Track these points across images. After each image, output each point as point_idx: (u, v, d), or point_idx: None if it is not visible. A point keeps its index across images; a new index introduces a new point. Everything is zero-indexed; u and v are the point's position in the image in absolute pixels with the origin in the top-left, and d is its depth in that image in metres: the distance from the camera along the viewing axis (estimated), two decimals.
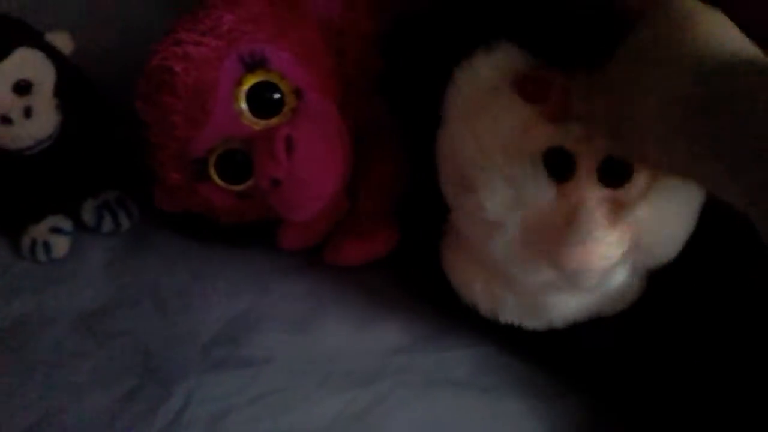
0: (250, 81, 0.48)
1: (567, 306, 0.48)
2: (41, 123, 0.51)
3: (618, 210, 0.42)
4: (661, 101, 0.33)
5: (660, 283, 0.48)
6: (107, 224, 0.58)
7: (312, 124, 0.48)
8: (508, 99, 0.42)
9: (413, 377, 0.51)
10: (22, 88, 0.50)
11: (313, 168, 0.47)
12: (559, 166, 0.41)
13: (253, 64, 0.48)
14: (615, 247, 0.42)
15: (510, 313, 0.48)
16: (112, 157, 0.58)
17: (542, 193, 0.41)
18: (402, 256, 0.55)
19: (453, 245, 0.50)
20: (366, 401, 0.49)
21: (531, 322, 0.49)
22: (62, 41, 0.54)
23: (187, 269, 0.56)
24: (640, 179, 0.41)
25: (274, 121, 0.48)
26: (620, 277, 0.45)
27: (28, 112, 0.50)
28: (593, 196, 0.41)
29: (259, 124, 0.48)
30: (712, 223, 0.45)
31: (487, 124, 0.42)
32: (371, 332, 0.53)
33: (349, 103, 0.52)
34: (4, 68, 0.49)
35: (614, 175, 0.41)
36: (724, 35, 0.34)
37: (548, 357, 0.52)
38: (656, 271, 0.46)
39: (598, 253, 0.42)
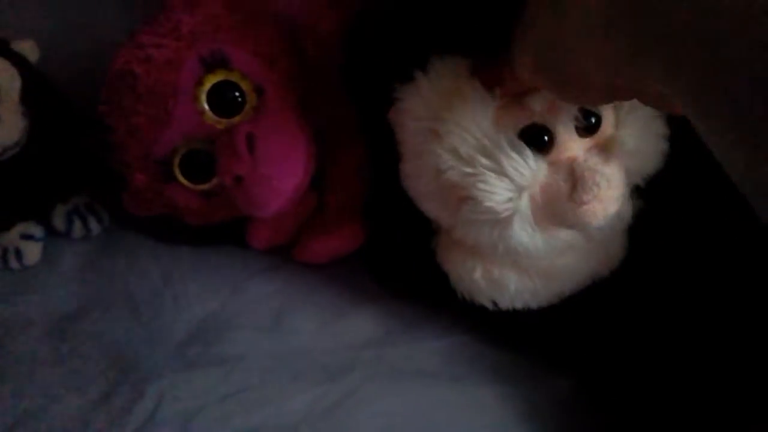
0: (211, 81, 0.48)
1: (577, 268, 0.48)
2: (8, 130, 0.51)
3: (604, 149, 0.44)
4: (582, 18, 0.32)
5: (642, 256, 0.49)
6: (78, 229, 0.58)
7: (273, 122, 0.48)
8: (469, 100, 0.43)
9: (384, 370, 0.51)
10: None
11: (274, 164, 0.48)
12: (539, 140, 0.43)
13: (213, 64, 0.48)
14: (619, 180, 0.43)
15: (514, 297, 0.49)
16: (81, 162, 0.58)
17: (535, 170, 0.42)
18: (371, 250, 0.56)
19: (447, 243, 0.50)
20: (337, 395, 0.49)
21: (538, 300, 0.49)
22: (28, 49, 0.55)
23: (159, 272, 0.57)
24: (608, 113, 0.44)
25: (236, 119, 0.49)
26: (626, 210, 0.46)
27: None
28: (580, 149, 0.43)
29: (221, 123, 0.49)
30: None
31: (458, 135, 0.42)
32: (341, 327, 0.54)
33: (312, 100, 0.53)
34: None
35: (587, 122, 0.43)
36: None
37: (525, 342, 0.52)
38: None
39: (610, 195, 0.43)
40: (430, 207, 0.48)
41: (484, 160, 0.42)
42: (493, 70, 0.42)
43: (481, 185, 0.42)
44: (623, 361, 0.50)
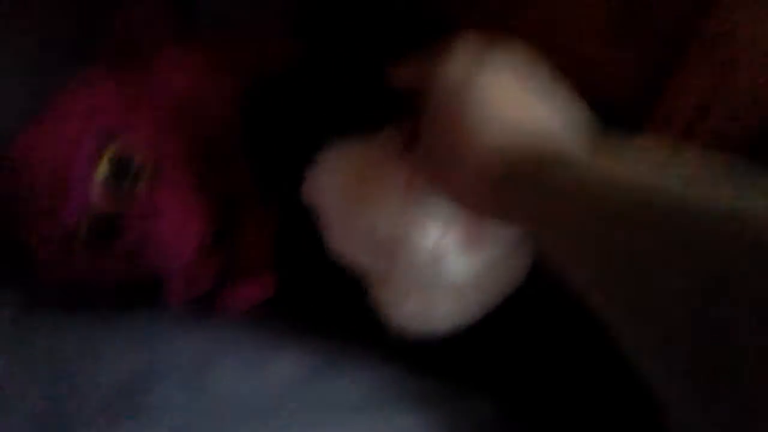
0: (108, 155, 0.51)
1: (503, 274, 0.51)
2: None
3: None
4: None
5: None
6: None
7: (168, 191, 0.51)
8: (384, 168, 0.47)
9: (309, 407, 0.52)
10: None
11: (170, 230, 0.51)
12: None
13: (109, 141, 0.51)
14: None
15: (445, 319, 0.51)
16: None
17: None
18: (288, 293, 0.58)
19: (378, 285, 0.52)
20: None
21: (466, 317, 0.51)
22: None
23: (78, 334, 0.57)
24: None
25: (135, 190, 0.51)
26: None
27: None
28: None
29: (120, 193, 0.51)
30: None
31: (380, 199, 0.46)
32: (266, 370, 0.55)
33: (213, 166, 0.56)
34: None
35: None
36: None
37: (447, 367, 0.54)
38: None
39: None
40: (364, 261, 0.50)
41: (407, 216, 0.46)
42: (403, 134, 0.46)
43: (413, 232, 0.46)
44: (541, 379, 0.53)
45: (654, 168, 0.33)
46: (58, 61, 0.63)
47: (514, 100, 0.38)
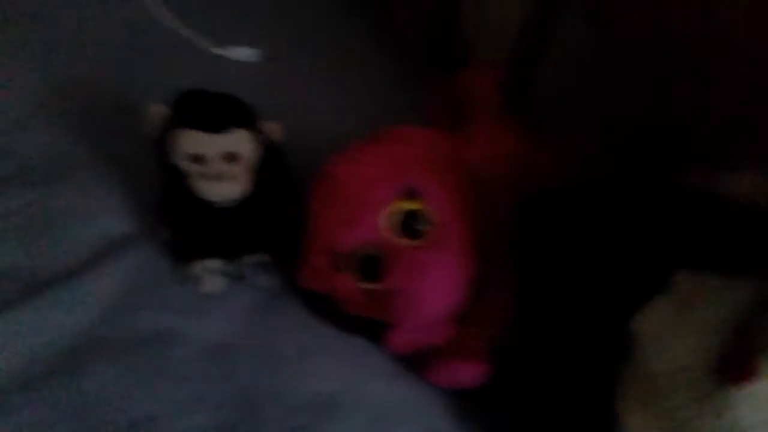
0: (401, 206, 0.58)
1: None
2: (234, 189, 0.62)
3: None
4: None
5: None
6: (256, 279, 0.68)
7: (445, 255, 0.57)
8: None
9: None
10: (231, 157, 0.60)
11: (435, 290, 0.57)
12: None
13: (408, 193, 0.59)
14: None
15: None
16: (279, 225, 0.67)
17: None
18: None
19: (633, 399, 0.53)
20: None
21: None
22: (276, 130, 0.64)
23: (308, 331, 0.65)
24: None
25: (416, 242, 0.58)
26: None
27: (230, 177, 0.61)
28: None
29: (401, 243, 0.58)
30: None
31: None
32: None
33: (481, 245, 0.61)
34: (224, 140, 0.60)
35: None
36: None
37: None
38: None
39: None
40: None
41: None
42: None
43: None
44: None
45: None
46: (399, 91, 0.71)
47: None
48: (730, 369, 0.46)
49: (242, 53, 0.87)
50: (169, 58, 0.82)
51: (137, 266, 0.65)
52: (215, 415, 0.58)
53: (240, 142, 0.61)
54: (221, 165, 0.60)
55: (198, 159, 0.59)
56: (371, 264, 0.58)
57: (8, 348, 0.58)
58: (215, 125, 0.60)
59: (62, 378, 0.57)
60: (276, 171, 0.66)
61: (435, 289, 0.57)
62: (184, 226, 0.66)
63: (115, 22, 0.84)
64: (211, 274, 0.67)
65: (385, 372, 0.64)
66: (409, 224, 0.58)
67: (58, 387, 0.57)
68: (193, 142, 0.59)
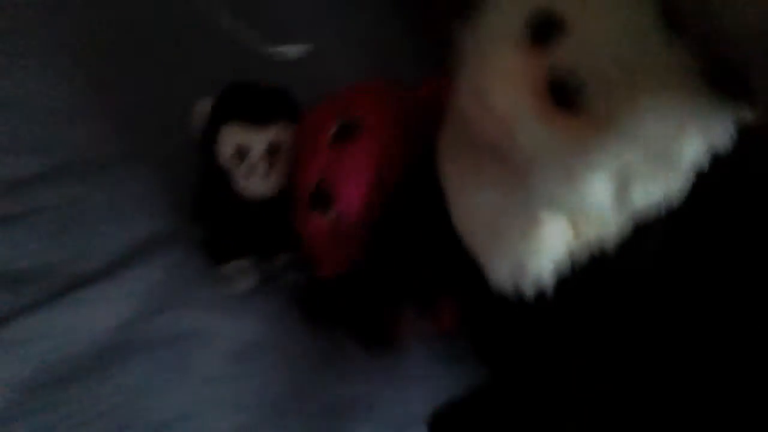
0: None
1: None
2: (272, 182, 0.61)
3: None
4: None
5: None
6: (289, 277, 0.67)
7: (361, 152, 0.58)
8: None
9: None
10: (274, 149, 0.60)
11: (350, 177, 0.57)
12: None
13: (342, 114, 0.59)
14: None
15: None
16: None
17: None
18: None
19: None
20: None
21: None
22: None
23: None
24: None
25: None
26: None
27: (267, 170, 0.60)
28: None
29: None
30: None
31: None
32: None
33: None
34: (269, 132, 0.60)
35: None
36: None
37: None
38: None
39: None
40: None
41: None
42: None
43: None
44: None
45: None
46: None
47: None
48: None
49: (291, 50, 0.85)
50: (216, 55, 0.81)
51: (171, 266, 0.65)
52: (246, 415, 0.58)
53: (283, 132, 0.61)
54: (263, 159, 0.60)
55: (242, 151, 0.59)
56: (321, 195, 0.57)
57: (43, 345, 0.58)
58: (261, 117, 0.60)
59: (98, 375, 0.58)
60: None
61: (350, 176, 0.57)
62: (219, 225, 0.66)
63: (161, 18, 0.83)
64: (243, 275, 0.67)
65: (413, 377, 0.62)
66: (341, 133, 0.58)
67: (95, 384, 0.58)
68: (238, 134, 0.59)
